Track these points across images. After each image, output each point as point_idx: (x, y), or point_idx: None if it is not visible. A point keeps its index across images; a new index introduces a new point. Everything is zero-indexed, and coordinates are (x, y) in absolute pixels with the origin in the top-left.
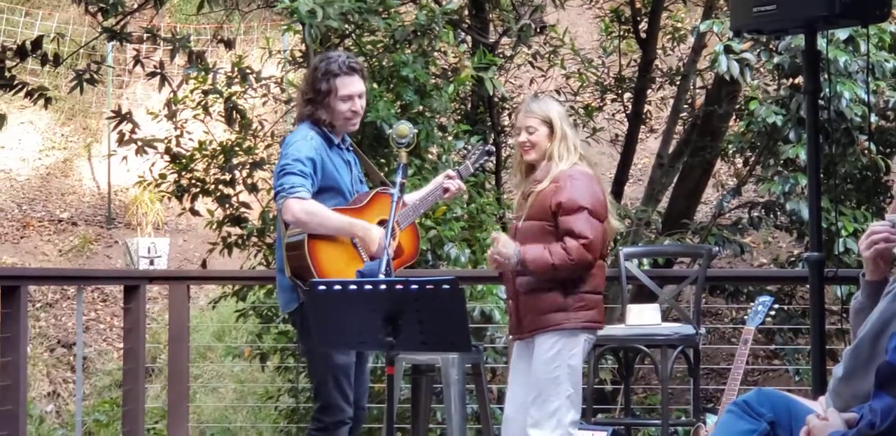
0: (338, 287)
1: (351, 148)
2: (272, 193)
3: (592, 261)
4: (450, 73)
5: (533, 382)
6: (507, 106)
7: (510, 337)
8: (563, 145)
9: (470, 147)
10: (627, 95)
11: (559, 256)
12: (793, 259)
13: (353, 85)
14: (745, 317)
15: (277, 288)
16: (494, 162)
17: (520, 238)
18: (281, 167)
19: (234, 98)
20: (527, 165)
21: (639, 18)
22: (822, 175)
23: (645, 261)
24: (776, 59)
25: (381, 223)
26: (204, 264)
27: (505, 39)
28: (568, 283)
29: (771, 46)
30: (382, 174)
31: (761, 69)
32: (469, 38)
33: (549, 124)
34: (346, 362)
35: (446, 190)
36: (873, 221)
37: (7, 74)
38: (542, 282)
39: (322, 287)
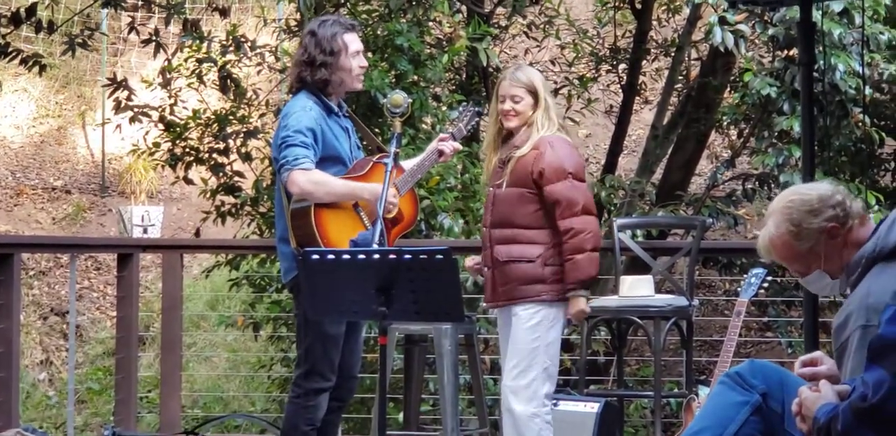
0: (331, 257)
1: (347, 114)
2: (275, 165)
3: (596, 219)
4: (444, 42)
5: (511, 351)
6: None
7: (484, 305)
8: (545, 115)
9: (461, 109)
10: (622, 66)
11: (581, 242)
12: None
13: (357, 41)
14: (739, 289)
15: (279, 256)
16: None
17: (498, 205)
18: (282, 139)
19: (228, 67)
20: (506, 133)
21: None
22: (816, 147)
23: (638, 232)
24: (771, 31)
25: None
26: (197, 233)
27: (500, 9)
28: (547, 254)
29: (766, 18)
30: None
31: (756, 41)
32: (464, 8)
33: (534, 94)
34: (336, 332)
35: (441, 153)
36: (866, 193)
37: (1, 41)
38: (522, 252)
39: (315, 257)
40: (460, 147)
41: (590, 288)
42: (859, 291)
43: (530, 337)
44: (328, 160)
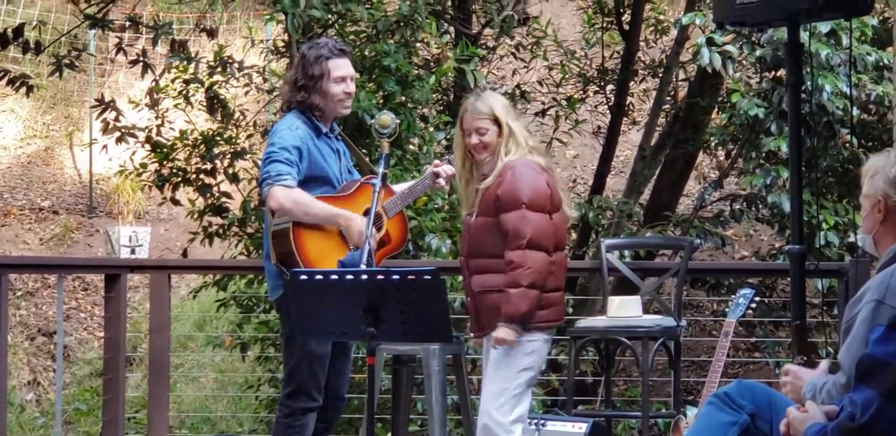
0: (319, 277)
1: (340, 137)
2: (258, 180)
3: (546, 254)
4: (432, 63)
5: (487, 376)
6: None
7: (471, 335)
8: (511, 141)
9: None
10: (610, 87)
11: (517, 276)
12: (774, 252)
13: (345, 67)
14: (726, 309)
15: (266, 275)
16: None
17: (471, 235)
18: (266, 155)
19: (215, 87)
20: (476, 161)
21: (622, 10)
22: (803, 168)
23: (626, 253)
24: (758, 52)
25: (367, 212)
26: (185, 254)
27: (487, 30)
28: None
29: (753, 39)
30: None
31: (743, 62)
32: (452, 29)
33: (497, 122)
34: (322, 351)
35: (437, 175)
36: (854, 214)
37: None
38: (495, 281)
39: (304, 277)
40: (453, 171)
41: (523, 324)
42: (884, 272)
43: (502, 363)
44: (314, 181)
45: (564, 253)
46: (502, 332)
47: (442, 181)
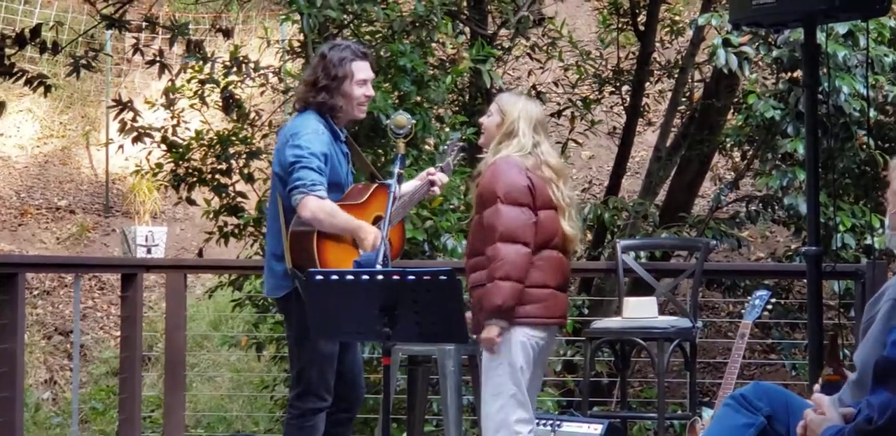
0: (335, 277)
1: (345, 140)
2: (277, 182)
3: (523, 246)
4: (447, 64)
5: (482, 379)
6: None
7: (473, 336)
8: (507, 142)
9: (448, 145)
10: (626, 88)
11: (490, 270)
12: (790, 253)
13: (366, 70)
14: (742, 311)
15: (266, 272)
16: None
17: (469, 235)
18: (296, 158)
19: (230, 87)
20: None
21: (637, 11)
22: (820, 170)
23: (642, 254)
24: (775, 53)
25: (378, 219)
26: (200, 253)
27: (503, 31)
28: None
29: (770, 40)
30: (379, 165)
31: (760, 63)
32: (467, 30)
33: (503, 115)
34: (331, 352)
35: (432, 183)
36: (871, 216)
37: (6, 62)
38: (479, 277)
39: (319, 277)
40: (447, 179)
41: (504, 318)
42: None
43: (492, 364)
44: (329, 186)
45: (557, 252)
46: (488, 331)
47: (437, 189)
